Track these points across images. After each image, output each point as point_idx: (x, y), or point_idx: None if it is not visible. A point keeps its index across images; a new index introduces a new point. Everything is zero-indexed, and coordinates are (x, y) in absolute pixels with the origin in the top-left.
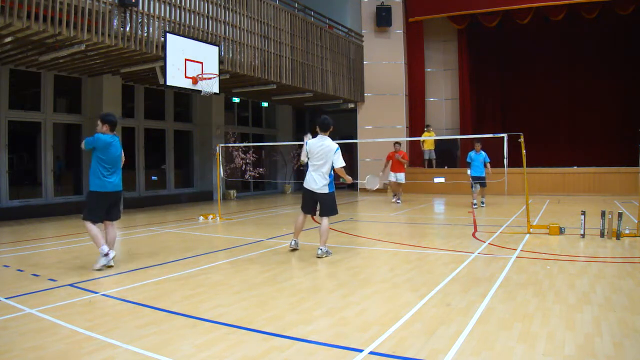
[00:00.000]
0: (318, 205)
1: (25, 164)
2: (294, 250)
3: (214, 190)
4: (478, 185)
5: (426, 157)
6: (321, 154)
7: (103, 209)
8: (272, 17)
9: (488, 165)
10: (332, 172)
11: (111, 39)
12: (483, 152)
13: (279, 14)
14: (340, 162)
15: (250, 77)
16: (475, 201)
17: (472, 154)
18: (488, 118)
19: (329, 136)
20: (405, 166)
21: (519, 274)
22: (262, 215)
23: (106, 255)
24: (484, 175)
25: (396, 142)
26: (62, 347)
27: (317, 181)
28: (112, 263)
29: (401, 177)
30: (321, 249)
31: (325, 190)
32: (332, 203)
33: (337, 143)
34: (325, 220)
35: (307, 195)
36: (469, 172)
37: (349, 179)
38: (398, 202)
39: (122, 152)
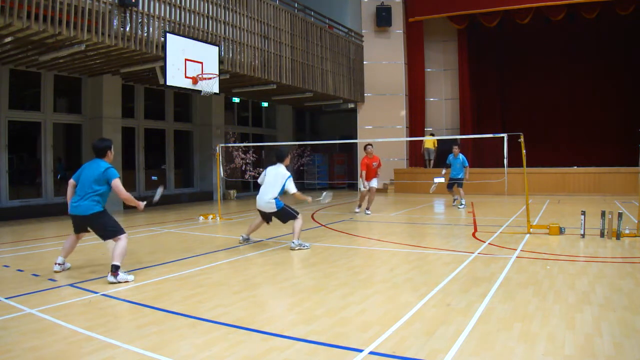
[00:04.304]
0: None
1: (25, 164)
2: (244, 242)
3: (214, 190)
4: (450, 187)
5: (427, 157)
6: (274, 178)
7: None
8: (272, 17)
9: (467, 168)
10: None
11: (111, 39)
12: (461, 156)
13: (279, 14)
14: (293, 188)
15: (250, 77)
16: (456, 198)
17: (450, 157)
18: (488, 118)
19: (284, 165)
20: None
21: (519, 274)
22: None
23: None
24: (460, 176)
25: (368, 144)
26: (62, 347)
27: (264, 201)
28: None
29: (375, 182)
30: (294, 242)
31: (274, 208)
32: (286, 213)
33: (337, 143)
34: (294, 222)
35: (261, 213)
36: (443, 171)
37: (308, 199)
38: (366, 213)
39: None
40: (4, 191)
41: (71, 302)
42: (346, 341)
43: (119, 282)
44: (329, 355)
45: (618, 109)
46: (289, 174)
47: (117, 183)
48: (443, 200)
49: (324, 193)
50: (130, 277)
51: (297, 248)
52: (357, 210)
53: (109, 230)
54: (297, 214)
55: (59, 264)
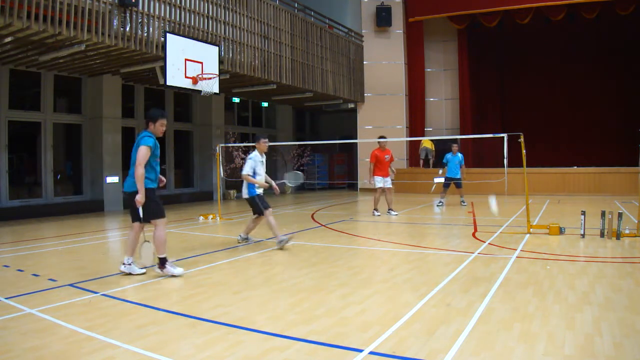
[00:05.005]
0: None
1: (25, 164)
2: (243, 242)
3: (214, 190)
4: (447, 187)
5: (424, 156)
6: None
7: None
8: (272, 17)
9: (463, 167)
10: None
11: (111, 39)
12: (460, 154)
13: (279, 14)
14: (244, 169)
15: (250, 77)
16: (442, 200)
17: (448, 155)
18: (488, 118)
19: (258, 150)
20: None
21: (519, 274)
22: None
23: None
24: (459, 176)
25: (381, 136)
26: (62, 347)
27: (243, 187)
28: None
29: (389, 181)
30: (278, 239)
31: (246, 195)
32: (255, 203)
33: (337, 143)
34: (264, 217)
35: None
36: (440, 171)
37: (262, 184)
38: (391, 214)
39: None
40: (4, 191)
41: (71, 302)
42: (346, 341)
43: (166, 275)
44: (329, 355)
45: (618, 109)
46: (250, 156)
47: (141, 150)
48: (443, 201)
49: (288, 175)
50: (178, 271)
51: (284, 244)
52: (376, 214)
53: (144, 213)
54: (265, 209)
55: (126, 264)
